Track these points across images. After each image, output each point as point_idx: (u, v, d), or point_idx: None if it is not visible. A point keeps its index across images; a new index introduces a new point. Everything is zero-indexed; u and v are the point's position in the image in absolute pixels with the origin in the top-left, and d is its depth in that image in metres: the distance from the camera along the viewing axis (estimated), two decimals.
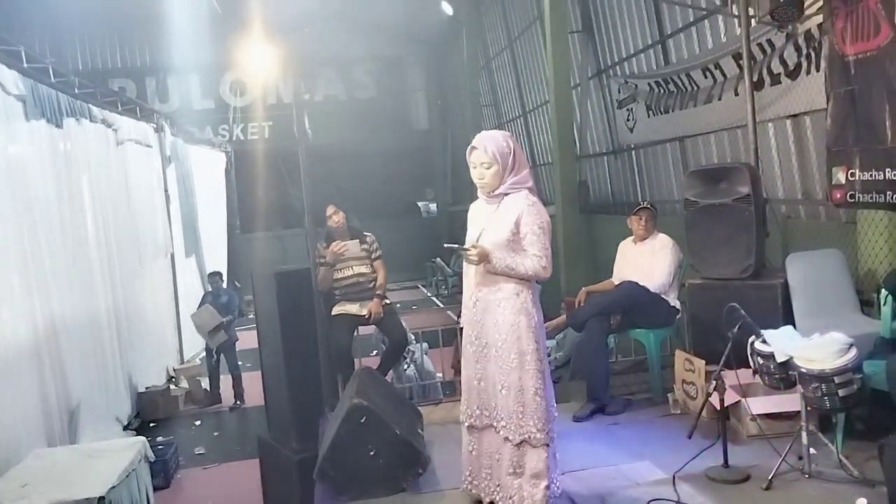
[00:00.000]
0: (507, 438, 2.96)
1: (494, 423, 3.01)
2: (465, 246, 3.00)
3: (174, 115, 12.10)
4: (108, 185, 6.91)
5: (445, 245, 3.24)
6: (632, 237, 4.83)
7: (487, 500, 3.10)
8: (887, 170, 3.93)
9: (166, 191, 8.91)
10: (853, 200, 4.23)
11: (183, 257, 9.49)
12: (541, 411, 2.92)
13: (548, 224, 3.00)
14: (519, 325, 2.94)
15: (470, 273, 3.10)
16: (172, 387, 7.65)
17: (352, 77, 17.33)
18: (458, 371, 5.61)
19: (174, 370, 8.16)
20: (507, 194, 3.03)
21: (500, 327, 2.97)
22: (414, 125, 18.28)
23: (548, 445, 2.94)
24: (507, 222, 2.98)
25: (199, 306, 7.76)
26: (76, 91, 6.41)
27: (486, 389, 3.02)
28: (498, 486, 3.04)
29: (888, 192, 3.94)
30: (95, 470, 4.12)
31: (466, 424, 3.11)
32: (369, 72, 17.42)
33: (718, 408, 3.33)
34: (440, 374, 5.90)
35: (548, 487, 2.93)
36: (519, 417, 2.92)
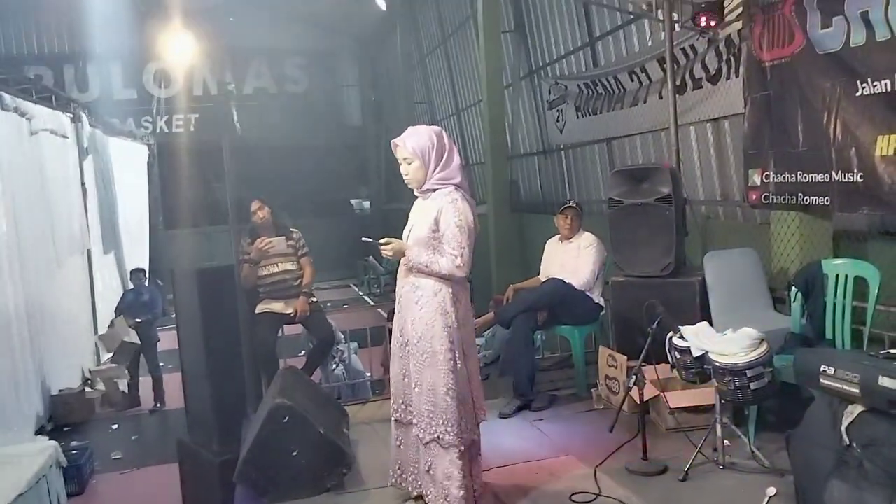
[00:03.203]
0: (418, 436, 2.95)
1: (413, 420, 3.00)
2: (381, 241, 2.99)
3: (94, 105, 11.60)
4: (20, 176, 6.54)
5: (363, 239, 3.24)
6: (558, 235, 4.90)
7: (415, 493, 3.09)
8: (799, 172, 4.11)
9: (83, 184, 8.50)
10: (767, 202, 4.41)
11: (101, 254, 9.08)
12: (451, 412, 2.89)
13: (468, 222, 2.96)
14: (434, 324, 2.92)
15: (399, 271, 3.09)
16: (88, 389, 7.30)
17: (282, 70, 16.98)
18: (387, 369, 5.59)
19: (90, 372, 7.79)
20: (434, 189, 3.00)
21: (416, 325, 2.96)
22: (347, 121, 18.05)
23: (458, 447, 2.91)
24: (428, 219, 2.97)
25: (119, 304, 7.45)
26: None
27: (410, 384, 3.01)
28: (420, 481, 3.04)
29: (799, 194, 4.12)
30: (2, 476, 3.89)
31: (394, 419, 3.11)
32: (301, 65, 17.10)
33: (638, 402, 3.40)
34: (369, 374, 5.85)
35: (461, 488, 2.90)
36: (430, 416, 2.91)
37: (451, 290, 2.96)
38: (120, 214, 10.02)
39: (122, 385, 7.41)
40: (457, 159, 3.05)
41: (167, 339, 7.15)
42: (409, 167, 2.99)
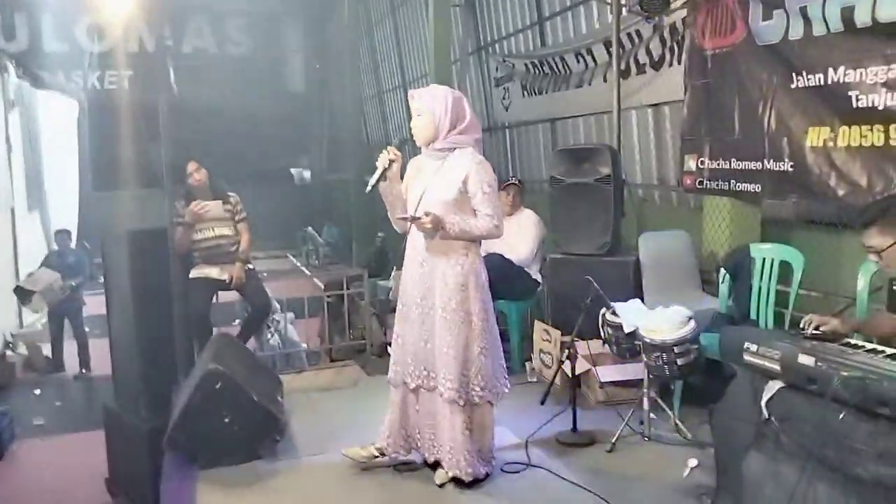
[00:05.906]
0: (453, 400, 2.94)
1: (439, 386, 2.99)
2: (417, 215, 2.90)
3: (21, 57, 10.98)
4: None
5: (398, 217, 3.05)
6: None
7: (431, 458, 3.11)
8: (733, 159, 4.24)
9: (8, 138, 8.10)
10: (701, 187, 4.54)
11: (25, 212, 8.70)
12: (486, 370, 2.98)
13: (495, 182, 3.02)
14: (468, 285, 2.96)
15: (415, 234, 3.05)
16: (9, 353, 7.04)
17: (224, 30, 16.41)
18: (324, 339, 5.55)
19: (12, 335, 7.50)
20: (451, 150, 2.99)
21: (448, 288, 2.96)
22: (290, 87, 17.63)
23: (491, 403, 3.04)
24: (453, 180, 2.95)
25: (41, 266, 7.15)
26: None
27: (433, 351, 3.01)
28: (441, 445, 3.04)
29: (732, 181, 4.26)
30: None
31: (413, 386, 3.07)
32: (243, 27, 16.56)
33: (570, 375, 3.49)
34: (305, 344, 5.80)
35: (493, 437, 3.08)
36: (464, 377, 2.95)
37: (478, 253, 3.03)
38: (47, 172, 9.58)
39: (46, 349, 7.16)
40: (476, 124, 3.05)
41: (94, 304, 6.92)
42: (419, 120, 2.99)
